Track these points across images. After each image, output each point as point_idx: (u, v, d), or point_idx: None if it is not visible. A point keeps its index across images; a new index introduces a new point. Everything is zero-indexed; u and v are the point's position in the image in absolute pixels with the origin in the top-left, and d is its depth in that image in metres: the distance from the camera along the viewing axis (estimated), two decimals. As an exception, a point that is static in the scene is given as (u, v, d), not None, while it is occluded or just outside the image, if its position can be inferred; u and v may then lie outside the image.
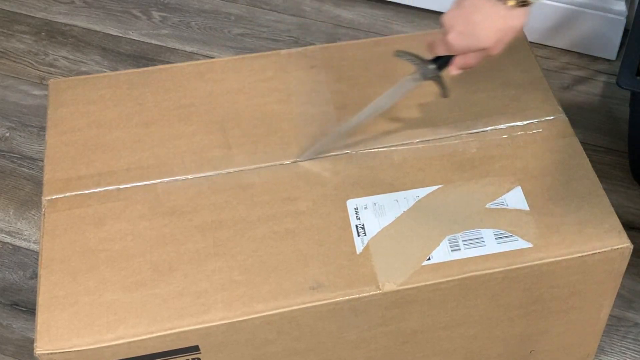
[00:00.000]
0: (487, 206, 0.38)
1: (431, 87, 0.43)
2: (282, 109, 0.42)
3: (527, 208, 0.38)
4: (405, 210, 0.38)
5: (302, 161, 0.39)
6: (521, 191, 0.38)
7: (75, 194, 0.39)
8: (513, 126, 0.41)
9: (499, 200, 0.38)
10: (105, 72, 0.68)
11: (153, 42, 0.72)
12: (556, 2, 0.67)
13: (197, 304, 0.35)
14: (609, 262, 0.37)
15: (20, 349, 0.52)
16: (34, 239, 0.58)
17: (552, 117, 0.42)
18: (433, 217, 0.37)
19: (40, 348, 0.34)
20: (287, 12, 0.73)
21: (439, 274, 0.36)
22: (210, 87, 0.44)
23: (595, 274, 0.38)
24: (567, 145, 0.40)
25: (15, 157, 0.63)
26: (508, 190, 0.38)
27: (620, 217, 0.38)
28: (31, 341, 0.51)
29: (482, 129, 0.41)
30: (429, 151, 0.40)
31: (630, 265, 0.37)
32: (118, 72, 0.45)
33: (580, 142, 0.41)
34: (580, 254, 0.36)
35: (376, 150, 0.40)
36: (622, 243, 0.36)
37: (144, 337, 0.34)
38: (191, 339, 0.35)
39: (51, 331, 0.34)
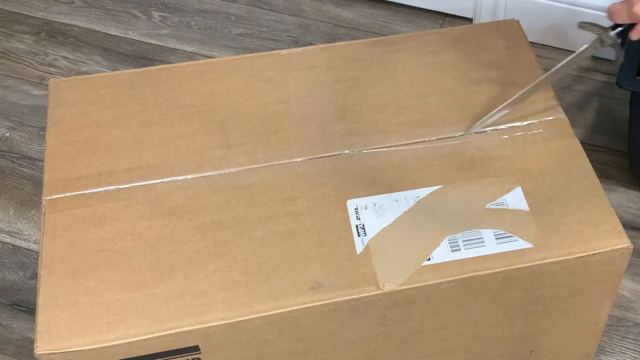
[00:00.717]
0: (487, 206, 0.38)
1: (431, 87, 0.43)
2: (282, 109, 0.42)
3: (527, 208, 0.38)
4: (405, 210, 0.38)
5: (474, 133, 0.39)
6: (521, 191, 0.38)
7: (75, 194, 0.39)
8: (513, 126, 0.41)
9: (499, 200, 0.38)
10: (105, 72, 0.68)
11: (153, 42, 0.72)
12: (556, 2, 0.67)
13: (197, 304, 0.35)
14: (609, 263, 0.37)
15: (20, 349, 0.52)
16: (34, 239, 0.58)
17: (552, 117, 0.42)
18: (433, 217, 0.37)
19: (40, 348, 0.34)
20: (287, 12, 0.73)
21: (439, 274, 0.36)
22: (210, 87, 0.44)
23: (595, 274, 0.37)
24: (567, 146, 0.40)
25: (15, 157, 0.63)
26: (508, 191, 0.38)
27: (620, 217, 0.38)
28: (31, 341, 0.52)
29: (482, 129, 0.41)
30: (429, 151, 0.40)
31: (630, 265, 0.37)
32: (118, 72, 0.45)
33: (580, 142, 0.41)
34: (580, 254, 0.36)
35: (376, 150, 0.40)
36: (622, 243, 0.36)
37: (144, 337, 0.34)
38: (191, 339, 0.35)
39: (51, 331, 0.34)
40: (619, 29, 0.39)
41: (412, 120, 0.42)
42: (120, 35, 0.72)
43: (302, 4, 0.74)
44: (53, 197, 0.39)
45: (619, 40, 0.39)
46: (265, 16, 0.73)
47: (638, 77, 0.50)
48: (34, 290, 0.55)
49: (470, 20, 0.71)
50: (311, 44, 0.70)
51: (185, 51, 0.71)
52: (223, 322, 0.34)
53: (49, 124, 0.42)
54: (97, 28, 0.73)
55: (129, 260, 0.36)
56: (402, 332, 0.38)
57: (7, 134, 0.64)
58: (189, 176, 0.40)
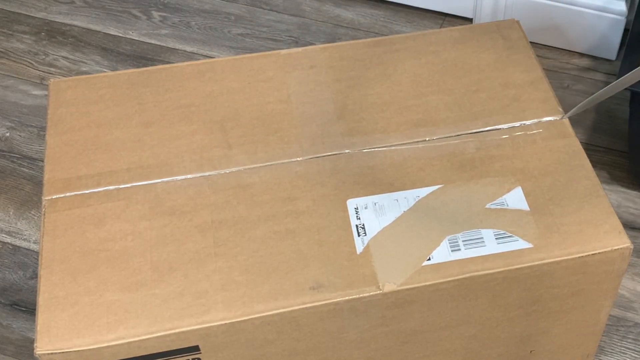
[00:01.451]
0: (487, 206, 0.38)
1: (431, 86, 0.43)
2: (282, 109, 0.42)
3: (527, 208, 0.38)
4: (405, 210, 0.38)
5: (568, 117, 0.39)
6: (521, 191, 0.38)
7: (75, 194, 0.39)
8: (513, 126, 0.41)
9: (499, 200, 0.38)
10: (105, 72, 0.68)
11: (153, 42, 0.72)
12: (556, 2, 0.67)
13: (197, 304, 0.35)
14: (609, 263, 0.37)
15: (20, 349, 0.52)
16: (34, 239, 0.58)
17: (552, 118, 0.42)
18: (433, 217, 0.37)
19: (40, 348, 0.34)
20: (287, 12, 0.73)
21: (439, 274, 0.36)
22: (210, 87, 0.44)
23: (595, 274, 0.37)
24: (567, 146, 0.40)
25: (15, 157, 0.63)
26: (508, 191, 0.38)
27: (620, 217, 0.38)
28: (31, 341, 0.52)
29: (482, 129, 0.41)
30: (429, 151, 0.40)
31: (630, 265, 0.37)
32: (118, 72, 0.45)
33: (580, 142, 0.41)
34: (580, 255, 0.36)
35: (376, 149, 0.40)
36: (622, 243, 0.36)
37: (144, 337, 0.34)
38: (191, 339, 0.35)
39: (51, 331, 0.34)
40: None
41: (412, 119, 0.42)
42: (120, 35, 0.72)
43: (302, 4, 0.74)
44: (53, 197, 0.39)
45: None
46: (266, 16, 0.73)
47: (638, 77, 0.50)
48: (34, 290, 0.54)
49: (470, 20, 0.71)
50: (311, 44, 0.70)
51: (185, 51, 0.71)
52: (223, 322, 0.34)
53: (49, 124, 0.42)
54: (97, 28, 0.73)
55: (129, 260, 0.36)
56: (402, 332, 0.38)
57: (7, 134, 0.64)
58: (189, 176, 0.40)
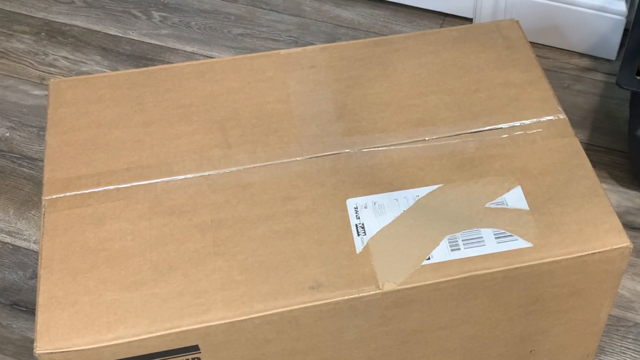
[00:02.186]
0: (487, 205, 0.38)
1: (431, 86, 0.43)
2: (282, 109, 0.42)
3: (527, 208, 0.38)
4: (405, 209, 0.38)
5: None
6: (521, 191, 0.38)
7: (75, 194, 0.39)
8: (513, 126, 0.41)
9: (498, 199, 0.38)
10: (105, 72, 0.68)
11: (153, 42, 0.72)
12: (556, 2, 0.67)
13: (197, 304, 0.35)
14: (608, 262, 0.37)
15: (20, 349, 0.52)
16: (34, 239, 0.57)
17: (552, 117, 0.42)
18: (433, 216, 0.37)
19: (40, 348, 0.34)
20: (287, 12, 0.73)
21: (438, 273, 0.36)
22: (210, 87, 0.44)
23: (595, 274, 0.37)
24: (567, 145, 0.40)
25: (15, 157, 0.63)
26: (508, 190, 0.38)
27: (620, 217, 0.38)
28: (31, 341, 0.52)
29: (481, 129, 0.41)
30: (429, 150, 0.40)
31: (630, 265, 0.37)
32: (118, 72, 0.45)
33: (580, 142, 0.41)
34: (580, 254, 0.36)
35: (376, 149, 0.40)
36: (622, 243, 0.36)
37: (143, 336, 0.34)
38: (191, 339, 0.35)
39: (51, 331, 0.34)
40: None
41: (411, 119, 0.42)
42: (120, 35, 0.72)
43: (302, 4, 0.74)
44: (53, 197, 0.39)
45: None
46: (265, 16, 0.73)
47: (638, 77, 0.50)
48: (34, 290, 0.54)
49: (470, 20, 0.71)
50: (311, 44, 0.70)
51: (185, 51, 0.71)
52: (223, 321, 0.34)
53: (49, 124, 0.42)
54: (97, 28, 0.73)
55: (129, 260, 0.36)
56: (402, 332, 0.38)
57: (7, 134, 0.64)
58: (189, 175, 0.39)
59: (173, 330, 0.34)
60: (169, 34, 0.72)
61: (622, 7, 0.66)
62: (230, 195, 0.39)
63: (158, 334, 0.34)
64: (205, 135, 0.41)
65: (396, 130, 0.41)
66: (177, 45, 0.71)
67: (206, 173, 0.40)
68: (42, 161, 0.41)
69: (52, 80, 0.45)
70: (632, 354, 0.51)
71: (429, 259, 0.36)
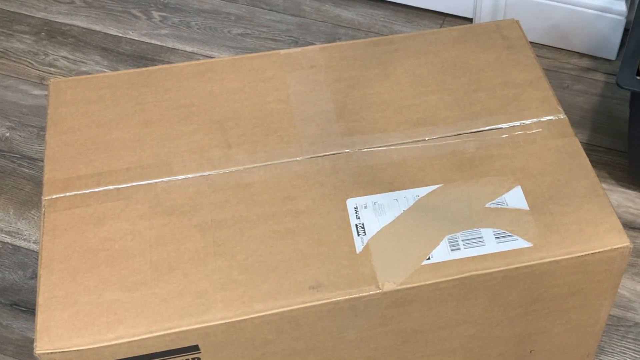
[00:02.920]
0: (487, 206, 0.38)
1: (431, 86, 0.43)
2: (282, 109, 0.42)
3: (526, 207, 0.38)
4: (405, 209, 0.38)
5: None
6: (521, 190, 0.38)
7: (75, 194, 0.39)
8: (513, 126, 0.41)
9: (498, 199, 0.38)
10: (105, 72, 0.68)
11: (153, 42, 0.72)
12: (556, 2, 0.67)
13: (197, 304, 0.35)
14: (608, 262, 0.37)
15: (20, 349, 0.52)
16: (34, 238, 0.57)
17: (552, 117, 0.42)
18: (433, 216, 0.37)
19: (40, 348, 0.34)
20: (287, 12, 0.73)
21: (438, 273, 0.36)
22: (210, 86, 0.44)
23: (595, 274, 0.37)
24: (567, 145, 0.40)
25: (15, 157, 0.63)
26: (508, 190, 0.38)
27: (620, 217, 0.38)
28: (31, 341, 0.52)
29: (481, 129, 0.41)
30: (429, 150, 0.40)
31: (630, 265, 0.37)
32: (118, 72, 0.45)
33: (580, 142, 0.41)
34: (580, 254, 0.36)
35: (376, 149, 0.40)
36: (622, 243, 0.36)
37: (143, 336, 0.34)
38: (191, 339, 0.35)
39: (51, 331, 0.34)
40: None
41: (411, 119, 0.42)
42: (120, 35, 0.72)
43: (302, 4, 0.74)
44: (53, 197, 0.39)
45: None
46: (265, 16, 0.73)
47: (638, 77, 0.50)
48: (34, 290, 0.54)
49: (470, 20, 0.71)
50: (311, 43, 0.70)
51: (185, 51, 0.71)
52: (223, 321, 0.34)
53: (49, 124, 0.42)
54: (97, 28, 0.73)
55: (129, 260, 0.36)
56: (402, 332, 0.38)
57: (7, 134, 0.64)
58: (189, 175, 0.39)
59: (173, 330, 0.34)
60: (169, 34, 0.72)
61: (622, 7, 0.66)
62: (230, 195, 0.39)
63: (158, 334, 0.34)
64: (205, 135, 0.41)
65: (396, 130, 0.41)
66: (177, 45, 0.71)
67: (206, 173, 0.39)
68: (42, 161, 0.41)
69: (52, 80, 0.45)
70: (632, 354, 0.51)
71: (429, 258, 0.36)
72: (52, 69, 0.69)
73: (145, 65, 0.69)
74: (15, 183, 0.61)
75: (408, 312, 0.37)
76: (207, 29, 0.73)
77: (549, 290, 0.37)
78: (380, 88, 0.43)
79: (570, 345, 0.42)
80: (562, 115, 0.42)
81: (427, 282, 0.35)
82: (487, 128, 0.41)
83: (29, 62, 0.70)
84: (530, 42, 0.46)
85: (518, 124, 0.41)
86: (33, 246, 0.57)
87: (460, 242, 0.37)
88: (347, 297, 0.35)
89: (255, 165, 0.40)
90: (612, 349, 0.51)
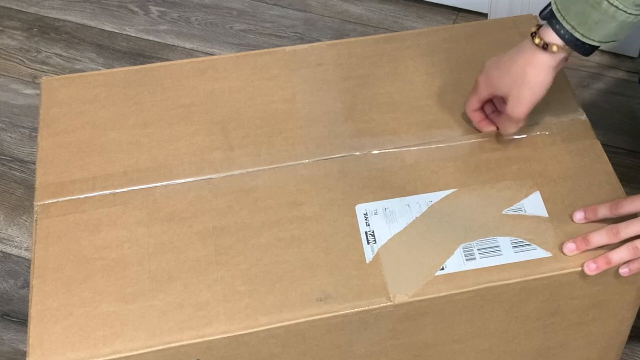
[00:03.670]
0: (504, 212, 0.36)
1: (445, 86, 0.41)
2: (287, 109, 0.41)
3: (546, 214, 0.36)
4: (417, 216, 0.36)
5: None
6: (540, 196, 0.37)
7: (69, 199, 0.37)
8: (531, 126, 0.40)
9: (516, 205, 0.36)
10: (100, 69, 0.66)
11: (151, 38, 0.70)
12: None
13: (198, 316, 0.33)
14: (632, 272, 0.35)
15: (11, 361, 0.51)
16: (25, 245, 0.56)
17: (572, 118, 0.40)
18: (447, 223, 0.36)
19: (31, 363, 0.32)
20: (292, 7, 0.71)
21: (453, 284, 0.34)
22: (211, 85, 0.42)
23: (616, 285, 0.36)
24: (588, 148, 0.39)
25: (5, 159, 0.61)
26: (526, 195, 0.37)
27: (643, 224, 0.36)
28: (22, 353, 0.50)
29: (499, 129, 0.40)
30: (443, 152, 0.39)
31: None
32: (114, 70, 0.43)
33: (601, 143, 0.39)
34: (602, 264, 0.35)
35: (387, 151, 0.39)
36: (647, 252, 0.35)
37: (142, 351, 0.33)
38: (192, 353, 0.33)
39: (44, 345, 0.33)
40: None
41: (424, 120, 0.40)
42: (116, 31, 0.70)
43: (307, -2, 0.72)
44: (46, 202, 0.37)
45: None
46: (269, 11, 0.71)
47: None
48: (25, 300, 0.53)
49: (485, 15, 0.69)
50: (317, 40, 0.68)
51: (184, 48, 0.69)
52: (225, 335, 0.33)
53: (41, 125, 0.41)
54: (92, 23, 0.71)
55: (126, 269, 0.35)
56: (414, 346, 0.37)
57: (-2, 134, 0.63)
58: (189, 179, 0.38)
59: (173, 345, 0.33)
60: (168, 30, 0.70)
61: None
62: (232, 200, 0.37)
63: (157, 348, 0.33)
64: (206, 136, 0.40)
65: (408, 132, 0.39)
66: (177, 42, 0.70)
67: (207, 177, 0.38)
68: (34, 164, 0.40)
69: (44, 78, 0.43)
70: (651, 365, 0.49)
71: (442, 269, 0.35)
72: (44, 67, 0.68)
73: (143, 63, 0.67)
74: (6, 187, 0.60)
75: (420, 325, 0.35)
76: (207, 25, 0.71)
77: (569, 302, 0.36)
78: (391, 87, 0.42)
79: (590, 358, 0.41)
80: (583, 116, 0.40)
81: (441, 294, 0.34)
82: (505, 138, 0.39)
83: (20, 60, 0.68)
84: (547, 40, 0.44)
85: (537, 125, 0.40)
86: (24, 253, 0.56)
87: (476, 252, 0.35)
88: (356, 309, 0.34)
89: (259, 168, 0.38)
90: (631, 360, 0.50)
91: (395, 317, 0.34)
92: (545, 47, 0.34)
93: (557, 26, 0.34)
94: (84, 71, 0.67)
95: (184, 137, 0.40)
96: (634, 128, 0.62)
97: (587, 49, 0.35)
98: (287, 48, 0.44)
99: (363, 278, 0.34)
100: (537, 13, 0.45)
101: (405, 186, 0.37)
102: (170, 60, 0.65)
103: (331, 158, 0.38)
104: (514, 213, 0.36)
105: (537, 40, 0.35)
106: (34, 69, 0.67)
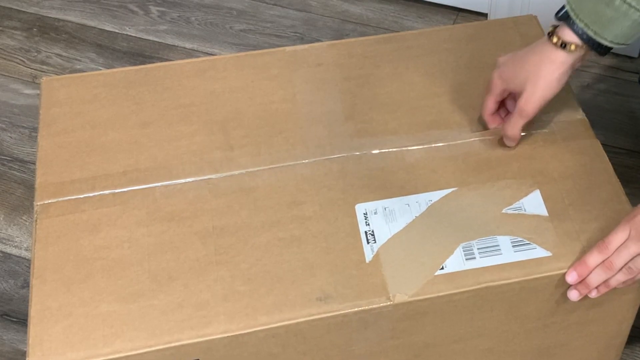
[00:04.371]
0: (504, 211, 0.36)
1: (445, 86, 0.41)
2: (287, 108, 0.41)
3: (546, 214, 0.36)
4: (417, 215, 0.36)
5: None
6: (540, 195, 0.37)
7: (69, 199, 0.37)
8: (531, 124, 0.39)
9: (516, 204, 0.36)
10: (100, 69, 0.66)
11: (151, 38, 0.70)
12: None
13: (198, 316, 0.33)
14: (632, 272, 0.35)
15: (11, 361, 0.51)
16: (25, 245, 0.56)
17: (571, 117, 0.40)
18: (447, 223, 0.36)
19: (31, 363, 0.32)
20: (292, 7, 0.71)
21: (452, 284, 0.34)
22: (211, 85, 0.42)
23: (617, 284, 0.36)
24: (589, 147, 0.39)
25: (5, 159, 0.61)
26: (526, 194, 0.37)
27: (643, 224, 0.36)
28: (22, 353, 0.50)
29: (499, 128, 0.39)
30: (443, 151, 0.38)
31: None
32: (114, 70, 0.43)
33: (601, 143, 0.39)
34: (602, 264, 0.35)
35: (386, 151, 0.38)
36: (647, 252, 0.35)
37: (142, 351, 0.33)
38: (192, 353, 0.33)
39: (44, 345, 0.33)
40: None
41: (425, 121, 0.40)
42: (116, 31, 0.70)
43: (307, -2, 0.72)
44: (45, 202, 0.37)
45: None
46: (269, 11, 0.71)
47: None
48: (25, 300, 0.53)
49: (485, 15, 0.69)
50: (317, 40, 0.68)
51: (184, 48, 0.69)
52: (225, 335, 0.33)
53: (41, 125, 0.41)
54: (92, 23, 0.71)
55: (126, 269, 0.35)
56: (414, 345, 0.36)
57: (-2, 135, 0.63)
58: (189, 179, 0.38)
59: (173, 344, 0.33)
60: (168, 30, 0.70)
61: None
62: (232, 200, 0.37)
63: (157, 348, 0.33)
64: (206, 136, 0.40)
65: (408, 132, 0.39)
66: (177, 42, 0.69)
67: (207, 177, 0.38)
68: (34, 164, 0.40)
69: (44, 78, 0.43)
70: (651, 364, 0.49)
71: (442, 268, 0.34)
72: (44, 67, 0.68)
73: (143, 63, 0.67)
74: (6, 187, 0.59)
75: (420, 325, 0.35)
76: (207, 25, 0.71)
77: (569, 302, 0.36)
78: (392, 87, 0.42)
79: (590, 358, 0.41)
80: (582, 116, 0.40)
81: (441, 294, 0.34)
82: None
83: (20, 60, 0.68)
84: (548, 40, 0.44)
85: (536, 123, 0.39)
86: (24, 253, 0.55)
87: (476, 251, 0.35)
88: (356, 309, 0.34)
89: (259, 168, 0.38)
90: None
91: (395, 317, 0.34)
92: (563, 45, 0.34)
93: (573, 25, 0.34)
94: (84, 71, 0.67)
95: (183, 137, 0.40)
96: (634, 128, 0.62)
97: (602, 48, 0.34)
98: (288, 48, 0.43)
99: (363, 278, 0.34)
100: (537, 13, 0.45)
101: (405, 185, 0.37)
102: (170, 60, 0.65)
103: (331, 158, 0.38)
104: (514, 212, 0.36)
105: (554, 39, 0.35)
106: (34, 69, 0.67)
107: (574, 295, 0.34)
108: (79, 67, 0.68)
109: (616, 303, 0.37)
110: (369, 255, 0.35)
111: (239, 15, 0.71)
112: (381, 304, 0.33)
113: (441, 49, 0.43)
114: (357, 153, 0.39)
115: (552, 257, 0.35)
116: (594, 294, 0.34)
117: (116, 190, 0.37)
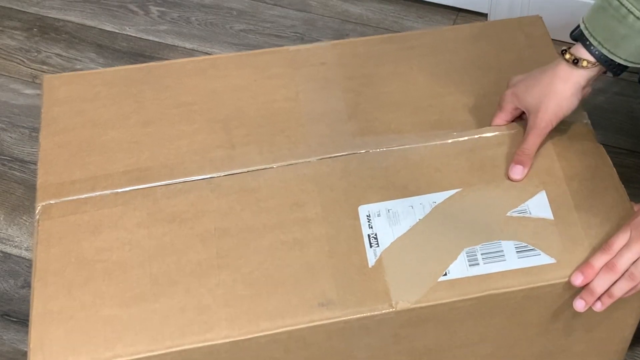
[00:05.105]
0: (508, 214, 0.36)
1: (448, 86, 0.41)
2: (290, 107, 0.40)
3: (551, 217, 0.36)
4: (420, 217, 0.36)
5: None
6: (545, 197, 0.36)
7: (70, 199, 0.37)
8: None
9: (521, 207, 0.36)
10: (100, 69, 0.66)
11: (151, 38, 0.69)
12: (578, -2, 0.64)
13: (200, 321, 0.33)
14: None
15: (10, 362, 0.50)
16: (25, 245, 0.55)
17: (575, 119, 0.39)
18: (451, 226, 0.35)
19: (32, 366, 0.32)
20: (292, 7, 0.70)
21: (455, 291, 0.34)
22: (213, 84, 0.41)
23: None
24: (592, 149, 0.38)
25: (5, 159, 0.61)
26: (532, 195, 0.36)
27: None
28: (22, 353, 0.50)
29: (503, 129, 0.39)
30: (447, 149, 0.38)
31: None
32: (115, 68, 0.43)
33: (601, 144, 0.39)
34: (606, 270, 0.34)
35: (390, 149, 0.38)
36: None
37: (143, 355, 0.32)
38: (193, 358, 0.33)
39: (45, 348, 0.32)
40: None
41: (428, 120, 0.39)
42: (117, 31, 0.70)
43: (308, -2, 0.72)
44: (47, 203, 0.37)
45: None
46: (269, 11, 0.71)
47: (662, 77, 0.48)
48: (25, 300, 0.52)
49: (485, 15, 0.69)
50: (317, 40, 0.67)
51: (184, 48, 0.68)
52: (227, 340, 0.33)
53: (43, 123, 0.40)
54: (92, 23, 0.70)
55: (127, 272, 0.34)
56: (416, 351, 0.36)
57: (-2, 135, 0.62)
58: (190, 178, 0.37)
59: (174, 349, 0.32)
60: (168, 30, 0.70)
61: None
62: (234, 200, 0.36)
63: (158, 352, 0.32)
64: (208, 135, 0.39)
65: (411, 132, 0.39)
66: (177, 42, 0.69)
67: (209, 176, 0.37)
68: (34, 164, 0.39)
69: (45, 76, 0.42)
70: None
71: (445, 274, 0.34)
72: (44, 67, 0.67)
73: (143, 63, 0.67)
74: (6, 187, 0.59)
75: (422, 331, 0.35)
76: (207, 25, 0.70)
77: (572, 309, 0.35)
78: (394, 87, 0.41)
79: (594, 363, 0.40)
80: (585, 120, 0.40)
81: (443, 301, 0.33)
82: (511, 132, 0.39)
83: (21, 60, 0.67)
84: (553, 40, 0.44)
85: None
86: (25, 253, 0.55)
87: (479, 257, 0.35)
88: (358, 315, 0.33)
89: (261, 167, 0.38)
90: (634, 365, 0.49)
91: (397, 323, 0.34)
92: (575, 62, 0.35)
93: (587, 43, 0.34)
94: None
95: (185, 136, 0.39)
96: (634, 128, 0.61)
97: (616, 67, 0.34)
98: (291, 47, 0.43)
99: (365, 283, 0.34)
100: (537, 13, 0.45)
101: (409, 185, 0.37)
102: (170, 60, 0.66)
103: (334, 157, 0.38)
104: (519, 215, 0.35)
105: (567, 56, 0.35)
106: (34, 69, 0.67)
107: (579, 305, 0.34)
108: (79, 67, 0.67)
109: (619, 310, 0.37)
110: (371, 260, 0.34)
111: (239, 15, 0.71)
112: (383, 311, 0.33)
113: (445, 49, 0.43)
114: (360, 152, 0.38)
115: (557, 264, 0.34)
116: (598, 307, 0.34)
117: (117, 190, 0.37)
